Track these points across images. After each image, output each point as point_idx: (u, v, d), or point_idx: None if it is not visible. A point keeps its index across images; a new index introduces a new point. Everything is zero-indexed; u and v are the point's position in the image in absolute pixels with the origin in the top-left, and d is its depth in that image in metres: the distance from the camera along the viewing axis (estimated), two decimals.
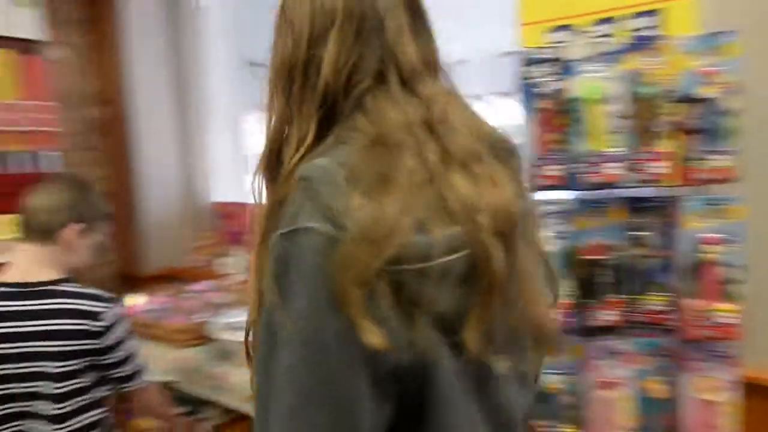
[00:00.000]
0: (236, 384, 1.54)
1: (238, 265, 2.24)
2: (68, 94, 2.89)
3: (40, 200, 1.32)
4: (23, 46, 2.22)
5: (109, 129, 3.02)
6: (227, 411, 1.67)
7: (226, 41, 3.22)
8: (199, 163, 3.15)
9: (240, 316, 1.76)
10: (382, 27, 0.65)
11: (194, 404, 1.90)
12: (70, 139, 2.91)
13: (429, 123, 0.62)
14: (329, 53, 0.63)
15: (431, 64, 0.67)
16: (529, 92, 1.27)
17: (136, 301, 1.97)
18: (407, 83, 0.64)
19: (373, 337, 0.54)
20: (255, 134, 3.87)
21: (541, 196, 1.25)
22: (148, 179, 2.96)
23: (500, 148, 0.67)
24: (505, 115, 1.62)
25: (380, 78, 0.64)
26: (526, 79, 1.26)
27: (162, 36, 3.01)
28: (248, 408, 1.51)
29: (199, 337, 1.79)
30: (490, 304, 0.59)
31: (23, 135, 2.18)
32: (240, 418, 1.67)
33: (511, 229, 0.60)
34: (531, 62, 1.26)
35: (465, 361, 0.59)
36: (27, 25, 2.23)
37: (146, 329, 1.90)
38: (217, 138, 3.24)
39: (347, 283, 0.54)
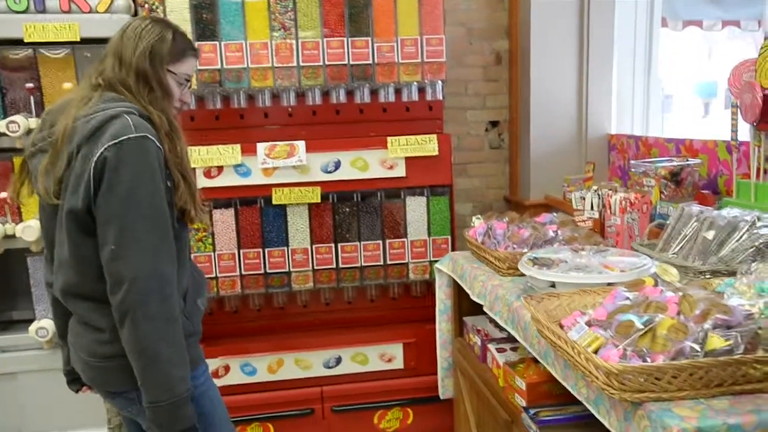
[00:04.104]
0: (526, 322, 1.48)
1: (591, 200, 2.07)
2: (477, 27, 3.11)
3: None
4: None
5: (509, 61, 3.12)
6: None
7: None
8: (599, 93, 2.96)
9: (551, 253, 1.65)
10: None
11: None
12: (476, 71, 3.16)
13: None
14: None
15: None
16: None
17: (475, 222, 2.06)
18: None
19: None
20: (670, 58, 3.35)
21: None
22: (542, 109, 2.96)
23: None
24: None
25: None
26: None
27: None
28: (534, 350, 1.44)
29: (515, 267, 1.77)
30: None
31: (416, 66, 2.46)
32: (533, 360, 1.61)
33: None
34: None
35: None
36: None
37: (477, 251, 1.99)
38: (624, 65, 2.97)
39: None
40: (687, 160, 2.10)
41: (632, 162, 2.17)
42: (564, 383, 1.28)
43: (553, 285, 1.51)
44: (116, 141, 1.26)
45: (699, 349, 0.99)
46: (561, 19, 2.89)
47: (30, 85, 2.27)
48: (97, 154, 1.25)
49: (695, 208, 1.67)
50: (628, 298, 1.26)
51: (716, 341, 1.01)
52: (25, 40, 2.22)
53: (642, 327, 1.06)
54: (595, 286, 1.42)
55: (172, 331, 1.30)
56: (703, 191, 1.86)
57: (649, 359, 1.02)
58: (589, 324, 1.21)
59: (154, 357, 1.27)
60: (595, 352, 1.07)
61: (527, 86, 2.95)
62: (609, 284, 1.43)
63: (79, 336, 1.43)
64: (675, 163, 2.08)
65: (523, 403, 1.58)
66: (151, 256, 1.27)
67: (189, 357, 1.37)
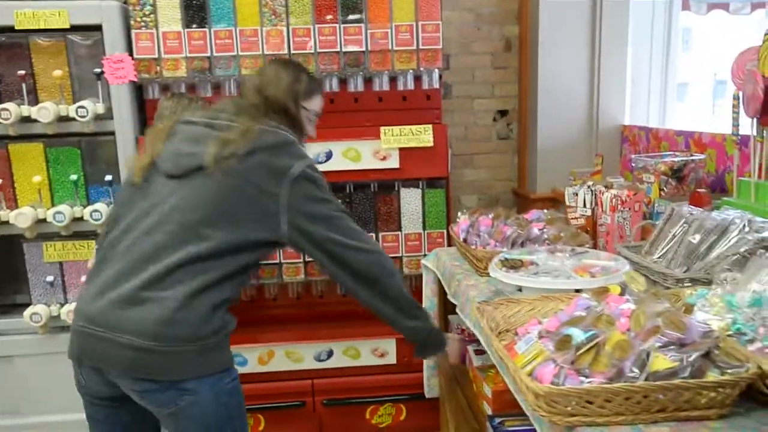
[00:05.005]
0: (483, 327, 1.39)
1: (584, 196, 1.95)
2: (486, 12, 2.98)
3: None
4: None
5: (519, 47, 2.99)
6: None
7: None
8: (613, 81, 2.81)
9: (525, 254, 1.55)
10: None
11: None
12: (484, 58, 3.04)
13: None
14: None
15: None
16: None
17: (460, 218, 1.97)
18: None
19: None
20: (691, 44, 3.13)
21: None
22: (550, 98, 2.83)
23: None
24: None
25: None
26: None
27: None
28: (494, 358, 1.36)
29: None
30: None
31: (410, 53, 2.37)
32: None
33: None
34: None
35: None
36: None
37: (460, 248, 1.90)
38: (641, 51, 2.81)
39: None
40: (691, 156, 1.96)
41: (633, 156, 2.04)
42: (515, 395, 1.19)
43: (520, 289, 1.42)
44: (308, 163, 1.46)
45: (638, 371, 0.90)
46: (572, 1, 2.74)
47: (22, 72, 2.28)
48: (298, 169, 1.41)
49: (686, 208, 1.54)
50: (588, 308, 1.17)
51: (660, 362, 0.91)
52: (16, 27, 2.22)
53: (581, 342, 0.96)
54: (560, 292, 1.32)
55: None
56: (699, 190, 1.72)
57: (587, 379, 0.93)
58: (541, 335, 1.12)
59: (417, 306, 1.58)
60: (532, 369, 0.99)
61: (535, 73, 2.82)
62: (577, 291, 1.33)
63: (132, 318, 1.32)
64: (677, 159, 1.95)
65: (489, 411, 1.51)
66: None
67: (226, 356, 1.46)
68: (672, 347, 0.96)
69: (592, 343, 0.98)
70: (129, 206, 1.46)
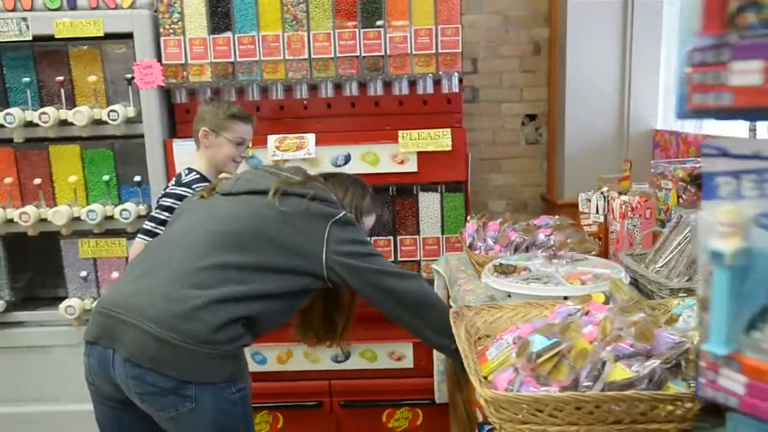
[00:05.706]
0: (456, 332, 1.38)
1: (597, 203, 1.89)
2: (515, 15, 2.95)
3: None
4: None
5: (548, 49, 2.94)
6: None
7: None
8: (644, 85, 2.72)
9: (522, 260, 1.52)
10: None
11: None
12: (512, 61, 3.00)
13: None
14: None
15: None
16: None
17: (469, 222, 1.96)
18: None
19: None
20: None
21: None
22: (578, 102, 2.77)
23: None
24: None
25: None
26: None
27: None
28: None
29: None
30: None
31: (429, 57, 2.37)
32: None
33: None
34: None
35: None
36: None
37: (467, 253, 1.88)
38: (675, 54, 2.70)
39: None
40: None
41: (652, 162, 1.97)
42: None
43: (510, 295, 1.40)
44: (344, 212, 1.56)
45: (591, 380, 0.87)
46: (603, 2, 2.67)
47: (60, 78, 2.41)
48: (342, 213, 1.54)
49: (693, 216, 1.48)
50: (568, 315, 1.14)
51: (618, 372, 0.88)
52: (56, 36, 2.36)
53: (542, 350, 0.94)
54: (546, 299, 1.29)
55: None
56: None
57: (544, 387, 0.91)
58: (514, 342, 1.10)
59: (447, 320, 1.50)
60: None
61: (564, 77, 2.76)
62: (565, 298, 1.30)
63: (155, 306, 1.37)
64: (699, 164, 1.86)
65: (480, 418, 1.48)
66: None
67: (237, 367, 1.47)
68: (639, 358, 0.93)
69: (553, 351, 0.95)
70: (181, 214, 1.64)
